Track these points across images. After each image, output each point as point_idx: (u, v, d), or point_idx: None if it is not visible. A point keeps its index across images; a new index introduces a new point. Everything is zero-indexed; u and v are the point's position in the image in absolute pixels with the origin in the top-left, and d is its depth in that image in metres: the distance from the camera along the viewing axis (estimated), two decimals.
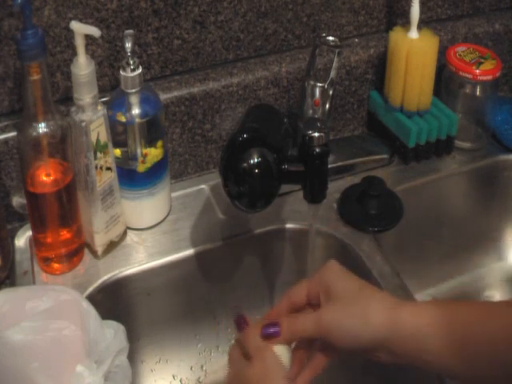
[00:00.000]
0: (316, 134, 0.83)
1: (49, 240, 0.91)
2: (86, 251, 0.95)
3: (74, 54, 0.84)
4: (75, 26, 0.82)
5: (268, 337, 0.71)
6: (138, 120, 0.91)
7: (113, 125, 0.90)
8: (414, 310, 0.67)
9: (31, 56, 0.79)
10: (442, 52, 1.11)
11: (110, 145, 0.89)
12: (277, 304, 0.75)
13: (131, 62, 0.88)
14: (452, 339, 0.64)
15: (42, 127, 0.83)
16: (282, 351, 0.71)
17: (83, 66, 0.84)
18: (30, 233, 0.95)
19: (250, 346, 0.71)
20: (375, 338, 0.67)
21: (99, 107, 0.87)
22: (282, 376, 0.69)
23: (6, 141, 0.93)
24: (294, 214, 1.01)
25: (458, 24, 1.18)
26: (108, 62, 0.98)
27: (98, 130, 0.87)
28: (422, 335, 0.66)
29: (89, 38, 0.88)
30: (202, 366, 1.04)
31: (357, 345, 0.68)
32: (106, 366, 0.75)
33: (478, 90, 1.11)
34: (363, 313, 0.68)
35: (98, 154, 0.88)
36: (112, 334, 0.79)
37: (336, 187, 1.04)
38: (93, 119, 0.86)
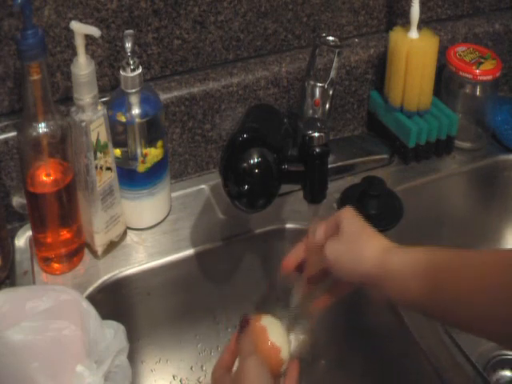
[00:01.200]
0: (316, 134, 0.84)
1: (49, 240, 0.91)
2: (86, 251, 0.95)
3: (74, 53, 0.84)
4: (75, 26, 0.82)
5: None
6: (138, 120, 0.91)
7: (113, 125, 0.90)
8: (402, 254, 0.74)
9: (31, 56, 0.79)
10: (442, 52, 1.11)
11: (110, 145, 0.89)
12: (292, 250, 0.84)
13: (131, 62, 0.88)
14: (427, 281, 0.70)
15: (41, 127, 0.83)
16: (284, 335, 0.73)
17: (83, 66, 0.84)
18: (30, 233, 0.95)
19: (240, 350, 0.72)
20: (367, 273, 0.75)
21: (99, 107, 0.87)
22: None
23: (6, 141, 0.93)
24: (294, 214, 1.01)
25: (458, 24, 1.18)
26: (108, 61, 0.98)
27: (98, 130, 0.87)
28: (405, 275, 0.72)
29: (89, 38, 0.88)
30: (201, 366, 1.04)
31: (352, 277, 0.77)
32: (105, 366, 0.75)
33: (478, 90, 1.11)
34: (360, 250, 0.76)
35: (98, 154, 0.88)
36: (112, 334, 0.80)
37: (336, 187, 1.04)
38: (93, 119, 0.86)
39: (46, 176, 0.87)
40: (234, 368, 0.74)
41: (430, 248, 0.73)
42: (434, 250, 0.73)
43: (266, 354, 0.71)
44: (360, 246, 0.76)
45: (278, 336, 0.74)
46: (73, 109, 0.86)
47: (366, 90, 1.14)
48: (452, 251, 0.71)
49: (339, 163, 1.09)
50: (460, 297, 0.68)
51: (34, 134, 0.84)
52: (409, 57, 1.05)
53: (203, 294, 1.01)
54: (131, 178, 0.94)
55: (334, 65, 0.99)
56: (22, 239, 0.96)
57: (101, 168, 0.89)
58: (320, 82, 1.00)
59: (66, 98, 0.95)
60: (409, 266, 0.72)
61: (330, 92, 1.00)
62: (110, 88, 0.99)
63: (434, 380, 0.84)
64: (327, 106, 1.00)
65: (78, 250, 0.93)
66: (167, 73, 1.03)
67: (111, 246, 0.95)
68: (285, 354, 0.74)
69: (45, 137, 0.84)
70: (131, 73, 0.89)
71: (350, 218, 0.79)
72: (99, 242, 0.93)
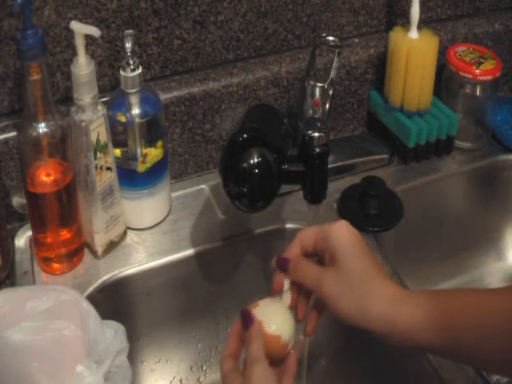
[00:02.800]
0: (316, 134, 0.83)
1: (49, 240, 0.91)
2: (86, 251, 0.95)
3: (74, 53, 0.84)
4: (75, 26, 0.82)
5: (278, 267, 0.73)
6: (138, 120, 0.91)
7: (113, 125, 0.90)
8: (411, 307, 0.68)
9: (31, 56, 0.79)
10: (442, 52, 1.11)
11: (110, 145, 0.89)
12: (289, 248, 0.75)
13: (131, 62, 0.88)
14: (440, 334, 0.66)
15: (42, 127, 0.83)
16: (285, 315, 0.72)
17: (83, 66, 0.84)
18: (30, 233, 0.95)
19: (248, 353, 0.70)
20: (372, 327, 0.69)
21: (99, 107, 0.87)
22: None
23: (6, 141, 0.93)
24: (294, 214, 1.01)
25: (458, 24, 1.18)
26: (108, 61, 0.98)
27: (98, 130, 0.87)
28: (416, 331, 0.67)
29: (89, 38, 0.88)
30: (201, 366, 1.04)
31: (350, 322, 0.69)
32: (105, 366, 0.75)
33: (478, 90, 1.11)
34: (364, 299, 0.68)
35: (98, 154, 0.88)
36: (112, 334, 0.79)
37: (336, 187, 1.04)
38: (93, 119, 0.86)
39: (46, 176, 0.87)
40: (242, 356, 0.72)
41: (439, 296, 0.68)
42: (443, 299, 0.68)
43: (267, 346, 0.71)
44: (364, 294, 0.68)
45: (275, 320, 0.72)
46: (73, 109, 0.86)
47: (366, 90, 1.14)
48: (462, 298, 0.68)
49: (339, 163, 1.09)
50: (475, 345, 0.65)
51: (34, 133, 0.84)
52: (409, 57, 1.05)
53: (203, 293, 1.01)
54: (131, 178, 0.94)
55: (334, 65, 0.99)
56: (22, 239, 0.96)
57: (101, 168, 0.89)
58: (320, 82, 1.00)
59: (66, 98, 0.95)
60: (420, 321, 0.67)
61: (330, 92, 1.00)
62: (110, 88, 0.99)
63: (434, 380, 0.84)
64: (327, 105, 1.00)
65: (78, 249, 0.93)
66: (167, 73, 1.03)
67: (111, 245, 0.95)
68: (286, 336, 0.73)
69: (45, 137, 0.84)
70: (131, 73, 0.89)
71: (346, 247, 0.70)
72: (99, 242, 0.93)
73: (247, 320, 0.71)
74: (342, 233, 0.71)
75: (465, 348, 0.66)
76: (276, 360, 0.73)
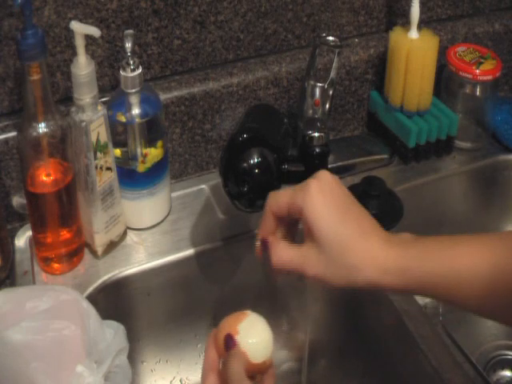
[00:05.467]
0: (316, 134, 0.84)
1: (49, 240, 0.91)
2: (86, 251, 0.95)
3: (74, 54, 0.84)
4: (75, 26, 0.82)
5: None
6: (137, 120, 0.91)
7: (113, 125, 0.90)
8: (398, 272, 0.67)
9: (31, 56, 0.79)
10: (442, 52, 1.11)
11: (110, 145, 0.89)
12: (263, 219, 0.73)
13: (131, 62, 0.88)
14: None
15: (42, 127, 0.84)
16: (265, 336, 0.71)
17: (83, 66, 0.84)
18: (30, 233, 0.95)
19: (229, 372, 0.67)
20: (361, 287, 0.67)
21: (99, 107, 0.87)
22: None
23: (6, 141, 0.93)
24: None
25: (458, 24, 1.18)
26: (108, 62, 0.98)
27: (98, 130, 0.87)
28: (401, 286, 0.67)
29: (89, 38, 0.88)
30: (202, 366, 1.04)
31: (343, 288, 0.68)
32: (105, 366, 0.75)
33: (478, 90, 1.11)
34: (349, 274, 0.67)
35: (98, 154, 0.88)
36: (112, 334, 0.79)
37: None
38: (93, 119, 0.86)
39: (46, 176, 0.87)
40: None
41: (421, 255, 0.68)
42: (424, 257, 0.68)
43: (251, 370, 0.70)
44: (350, 268, 0.67)
45: (258, 347, 0.72)
46: (73, 109, 0.86)
47: (366, 89, 1.14)
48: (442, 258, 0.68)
49: (339, 163, 1.09)
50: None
51: (34, 133, 0.84)
52: (409, 57, 1.05)
53: (203, 294, 1.01)
54: (131, 177, 0.94)
55: (334, 65, 0.99)
56: (22, 239, 0.96)
57: (101, 168, 0.89)
58: (320, 82, 1.00)
59: (66, 98, 0.95)
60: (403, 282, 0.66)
61: (330, 92, 1.00)
62: (110, 88, 0.99)
63: (434, 380, 0.84)
64: (327, 105, 1.00)
65: (77, 249, 0.93)
66: (167, 73, 1.03)
67: (111, 245, 0.95)
68: (269, 356, 0.72)
69: (45, 137, 0.84)
70: (131, 73, 0.89)
71: (322, 217, 0.67)
72: (99, 242, 0.93)
73: (230, 343, 0.68)
74: (316, 205, 0.68)
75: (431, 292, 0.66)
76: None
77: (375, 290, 0.69)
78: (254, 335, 0.71)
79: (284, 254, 0.71)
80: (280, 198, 0.71)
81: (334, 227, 0.67)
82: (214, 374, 0.69)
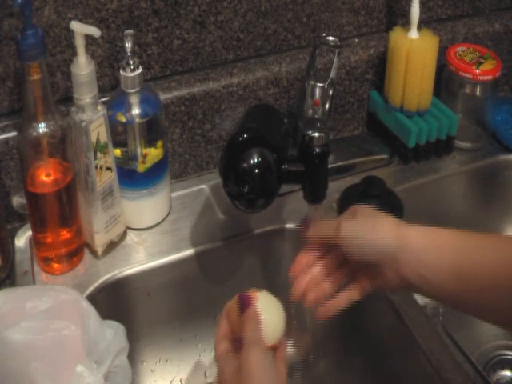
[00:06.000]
0: (316, 134, 0.83)
1: (49, 240, 0.91)
2: (86, 251, 0.95)
3: (74, 54, 0.84)
4: (75, 26, 0.82)
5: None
6: (137, 120, 0.91)
7: (113, 125, 0.90)
8: (419, 228, 0.74)
9: (31, 56, 0.79)
10: (442, 52, 1.11)
11: (110, 145, 0.89)
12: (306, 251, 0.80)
13: (131, 62, 0.88)
14: (452, 263, 0.69)
15: (42, 127, 0.84)
16: (277, 315, 0.72)
17: (83, 66, 0.84)
18: (30, 233, 0.95)
19: (245, 335, 0.70)
20: (385, 247, 0.72)
21: (99, 107, 0.87)
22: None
23: (6, 141, 0.93)
24: (294, 214, 1.01)
25: (458, 24, 1.18)
26: (108, 62, 0.98)
27: (98, 130, 0.87)
28: (426, 253, 0.71)
29: (89, 38, 0.88)
30: (202, 366, 1.04)
31: (368, 255, 0.73)
32: (105, 366, 0.75)
33: (478, 90, 1.11)
34: (376, 226, 0.74)
35: (98, 154, 0.88)
36: (112, 334, 0.79)
37: (336, 187, 1.04)
38: (93, 119, 0.86)
39: (46, 176, 0.87)
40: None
41: (447, 229, 0.73)
42: (454, 232, 0.73)
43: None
44: (376, 222, 0.74)
45: (272, 324, 0.72)
46: (73, 109, 0.86)
47: (366, 89, 1.14)
48: (471, 233, 0.72)
49: (339, 163, 1.09)
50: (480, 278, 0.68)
51: (34, 133, 0.84)
52: (409, 57, 1.05)
53: (203, 293, 1.01)
54: (131, 177, 0.94)
55: (334, 65, 0.99)
56: (22, 239, 0.96)
57: (101, 168, 0.89)
58: (320, 82, 1.00)
59: (66, 98, 0.95)
60: (430, 244, 0.72)
61: (330, 92, 1.00)
62: (110, 88, 0.99)
63: (434, 380, 0.84)
64: (327, 105, 1.00)
65: (77, 249, 0.93)
66: (167, 73, 1.03)
67: (111, 246, 0.95)
68: (280, 334, 0.73)
69: (45, 137, 0.84)
70: (131, 73, 0.89)
71: (363, 205, 0.79)
72: (99, 242, 0.93)
73: (245, 303, 0.72)
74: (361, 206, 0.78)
75: (473, 288, 0.68)
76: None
77: (392, 260, 0.72)
78: (266, 312, 0.72)
79: (324, 223, 0.79)
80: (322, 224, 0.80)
81: (373, 209, 0.78)
82: (226, 341, 0.73)
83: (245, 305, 0.73)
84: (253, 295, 0.74)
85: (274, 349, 0.73)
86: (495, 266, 0.68)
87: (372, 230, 0.74)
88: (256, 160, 0.84)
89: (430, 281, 0.70)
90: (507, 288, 0.66)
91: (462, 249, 0.70)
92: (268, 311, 0.72)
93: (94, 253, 0.95)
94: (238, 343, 0.71)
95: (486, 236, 0.72)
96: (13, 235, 0.96)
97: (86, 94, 0.85)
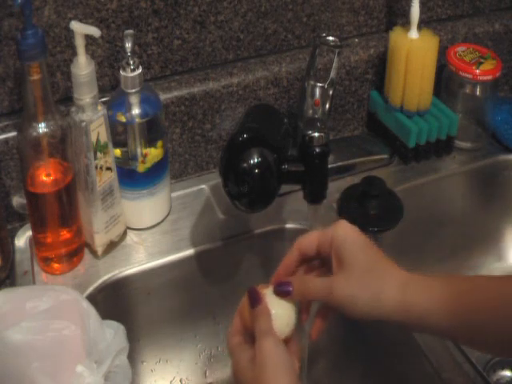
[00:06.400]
0: (316, 134, 0.84)
1: (49, 240, 0.91)
2: (86, 251, 0.95)
3: (74, 54, 0.84)
4: (75, 26, 0.82)
5: (280, 294, 0.72)
6: (137, 120, 0.91)
7: (113, 125, 0.90)
8: (424, 287, 0.69)
9: (31, 56, 0.80)
10: (442, 52, 1.11)
11: (110, 145, 0.89)
12: (287, 255, 0.75)
13: (131, 62, 0.88)
14: (455, 313, 0.67)
15: (42, 127, 0.84)
16: (288, 309, 0.72)
17: (83, 66, 0.84)
18: (30, 233, 0.95)
19: (257, 328, 0.70)
20: (388, 315, 0.69)
21: (99, 107, 0.87)
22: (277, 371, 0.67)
23: (6, 141, 0.93)
24: (294, 213, 1.01)
25: (458, 24, 1.18)
26: (108, 62, 0.98)
27: (98, 130, 0.87)
28: (430, 312, 0.68)
29: (89, 38, 0.88)
30: (202, 366, 1.04)
31: (366, 318, 0.69)
32: (105, 366, 0.75)
33: (478, 90, 1.11)
34: (376, 289, 0.69)
35: (98, 154, 0.88)
36: (112, 334, 0.79)
37: (336, 187, 1.04)
38: (93, 119, 0.86)
39: (46, 176, 0.88)
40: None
41: (448, 279, 0.70)
42: (453, 281, 0.70)
43: None
44: (376, 284, 0.69)
45: (281, 316, 0.73)
46: (73, 109, 0.86)
47: (366, 89, 1.14)
48: (471, 281, 0.70)
49: (339, 163, 1.09)
50: (486, 326, 0.67)
51: (34, 133, 0.84)
52: (409, 57, 1.05)
53: (203, 293, 1.01)
54: (131, 177, 0.94)
55: (334, 65, 0.99)
56: (22, 239, 0.96)
57: (101, 168, 0.89)
58: (320, 82, 1.00)
59: (66, 98, 0.95)
60: (434, 302, 0.68)
61: (330, 92, 1.00)
62: (110, 88, 0.99)
63: (434, 380, 0.84)
64: (327, 105, 1.00)
65: (77, 249, 0.93)
66: (167, 73, 1.03)
67: (111, 246, 0.95)
68: (291, 328, 0.73)
69: (45, 137, 0.84)
70: (131, 73, 0.89)
71: (352, 246, 0.70)
72: (99, 242, 0.93)
73: (255, 299, 0.72)
74: (346, 231, 0.72)
75: (476, 329, 0.67)
76: None
77: (401, 319, 0.69)
78: (276, 306, 0.72)
79: (311, 283, 0.72)
80: (310, 235, 0.74)
81: (363, 250, 0.71)
82: (239, 335, 0.72)
83: (254, 300, 0.72)
84: (261, 290, 0.74)
85: (287, 342, 0.72)
86: (498, 298, 0.67)
87: (373, 296, 0.69)
88: (256, 160, 0.84)
89: (435, 331, 0.70)
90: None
91: (463, 293, 0.68)
92: (278, 305, 0.72)
93: (93, 253, 0.95)
94: (250, 338, 0.71)
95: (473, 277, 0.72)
96: (13, 235, 0.96)
97: (85, 93, 0.85)
